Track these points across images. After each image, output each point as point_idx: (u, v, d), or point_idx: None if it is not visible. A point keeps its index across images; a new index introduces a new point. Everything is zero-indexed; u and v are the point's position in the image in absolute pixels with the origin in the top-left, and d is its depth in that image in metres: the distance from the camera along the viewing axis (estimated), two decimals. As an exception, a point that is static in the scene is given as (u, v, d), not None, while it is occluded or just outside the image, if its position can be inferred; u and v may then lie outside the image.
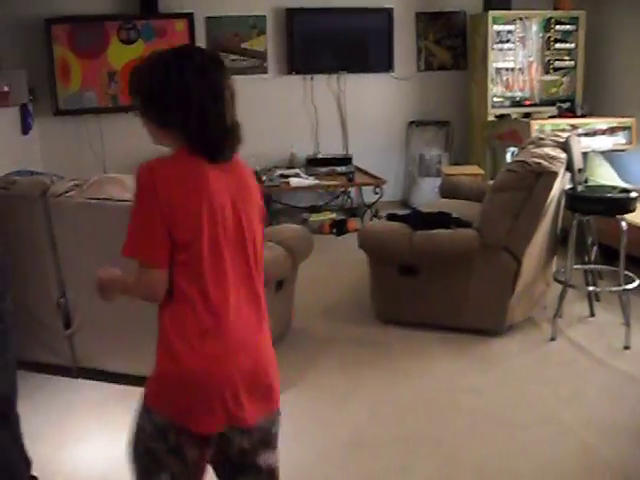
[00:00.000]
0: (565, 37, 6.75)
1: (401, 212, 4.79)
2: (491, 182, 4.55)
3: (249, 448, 1.78)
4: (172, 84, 1.66)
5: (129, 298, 1.75)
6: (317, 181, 6.42)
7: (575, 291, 4.28)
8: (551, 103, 6.70)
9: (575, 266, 4.10)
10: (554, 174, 3.77)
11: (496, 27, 6.60)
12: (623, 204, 3.87)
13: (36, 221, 3.36)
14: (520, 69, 6.76)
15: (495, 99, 6.73)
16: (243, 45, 6.85)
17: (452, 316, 4.02)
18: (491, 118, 6.72)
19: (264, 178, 6.22)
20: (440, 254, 3.94)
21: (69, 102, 6.51)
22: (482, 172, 6.39)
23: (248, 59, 6.87)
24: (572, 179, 4.04)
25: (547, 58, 6.78)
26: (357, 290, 4.74)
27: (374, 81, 7.16)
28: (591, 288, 4.29)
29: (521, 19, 6.66)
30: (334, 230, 6.40)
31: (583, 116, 6.34)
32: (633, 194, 3.89)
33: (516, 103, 6.78)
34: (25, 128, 6.22)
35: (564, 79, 6.84)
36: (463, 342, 3.94)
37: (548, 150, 3.94)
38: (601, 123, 6.16)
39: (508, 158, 6.13)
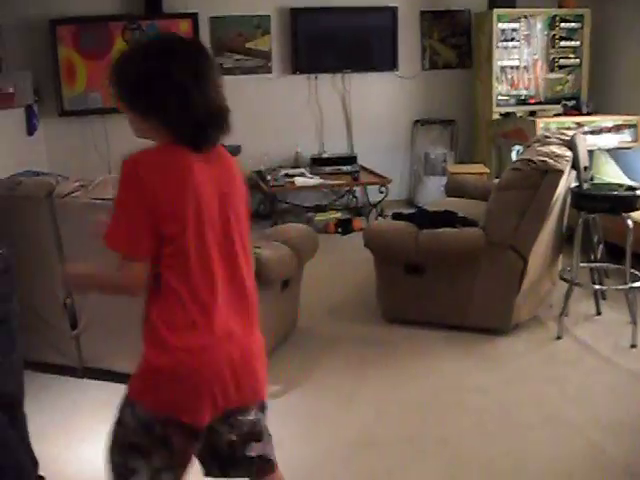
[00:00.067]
0: (570, 35, 6.73)
1: (406, 211, 4.78)
2: (496, 181, 4.54)
3: (237, 440, 1.79)
4: (152, 68, 1.63)
5: (128, 298, 1.74)
6: (322, 180, 6.41)
7: (581, 289, 4.26)
8: (556, 101, 6.69)
9: (581, 264, 4.08)
10: (560, 172, 3.75)
11: (501, 25, 6.60)
12: (629, 202, 3.86)
13: (42, 222, 3.36)
14: (525, 67, 6.74)
15: (500, 97, 6.72)
16: (247, 45, 6.86)
17: (458, 315, 4.01)
18: (496, 116, 6.71)
19: (269, 178, 6.23)
20: (446, 253, 3.93)
21: (74, 103, 6.53)
22: (487, 171, 6.38)
23: (252, 59, 6.88)
24: (578, 177, 4.03)
25: (552, 56, 6.77)
26: (362, 289, 4.74)
27: (379, 80, 7.16)
28: (597, 286, 4.27)
29: (526, 17, 6.64)
30: (339, 229, 6.39)
31: (588, 114, 6.33)
32: (639, 192, 3.88)
33: (521, 101, 6.77)
34: (30, 129, 6.24)
35: (569, 77, 6.82)
36: (469, 341, 3.94)
37: (553, 148, 3.93)
38: (607, 121, 6.15)
39: (513, 156, 6.11)
